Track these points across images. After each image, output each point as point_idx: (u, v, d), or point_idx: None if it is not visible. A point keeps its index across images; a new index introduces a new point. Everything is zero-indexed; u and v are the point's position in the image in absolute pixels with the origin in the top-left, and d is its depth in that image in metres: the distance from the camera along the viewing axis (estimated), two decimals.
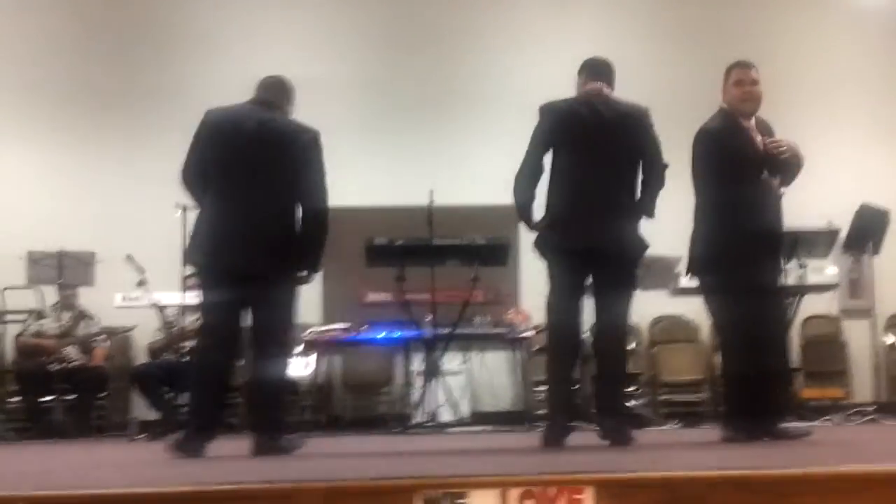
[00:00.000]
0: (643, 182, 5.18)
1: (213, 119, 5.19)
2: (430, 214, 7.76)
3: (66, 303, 8.96)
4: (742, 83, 5.07)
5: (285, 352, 5.25)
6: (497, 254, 8.14)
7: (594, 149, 5.04)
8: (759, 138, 5.06)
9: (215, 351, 4.95)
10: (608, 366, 5.21)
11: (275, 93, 5.38)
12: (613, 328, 5.21)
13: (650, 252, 8.22)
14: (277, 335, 5.08)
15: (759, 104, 5.09)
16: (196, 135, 5.16)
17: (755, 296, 5.03)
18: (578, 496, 2.68)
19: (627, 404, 8.46)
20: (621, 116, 5.10)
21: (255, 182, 4.99)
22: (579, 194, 5.07)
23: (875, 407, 8.38)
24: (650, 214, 5.23)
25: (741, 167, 5.06)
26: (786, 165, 5.00)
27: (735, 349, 5.26)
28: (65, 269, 8.50)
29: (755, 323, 5.07)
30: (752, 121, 5.10)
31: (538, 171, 5.20)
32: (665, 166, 5.12)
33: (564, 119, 5.13)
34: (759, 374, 4.99)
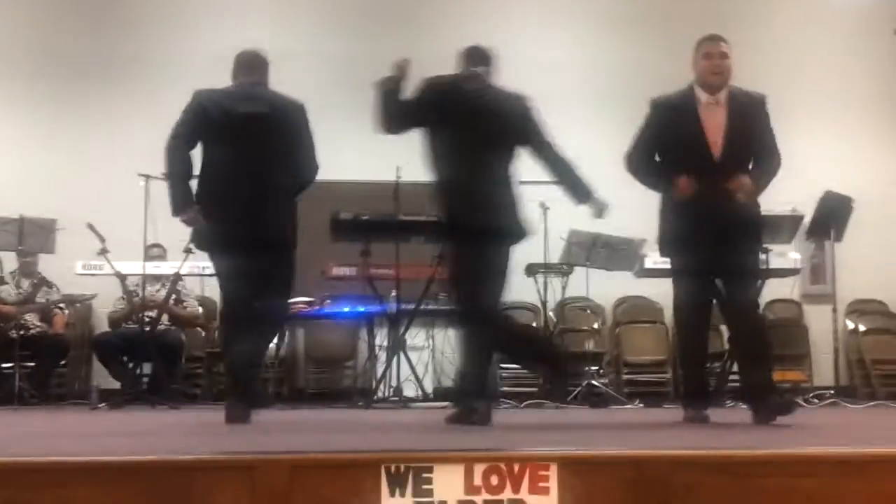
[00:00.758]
0: (549, 166, 5.37)
1: (207, 99, 5.36)
2: (396, 190, 7.72)
3: (26, 270, 8.86)
4: (710, 56, 5.01)
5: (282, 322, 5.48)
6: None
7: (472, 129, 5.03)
8: (720, 117, 4.95)
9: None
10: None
11: (260, 69, 5.55)
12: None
13: (616, 233, 8.37)
14: (282, 307, 5.57)
15: (726, 77, 5.01)
16: (188, 111, 5.36)
17: (698, 278, 5.05)
18: (543, 472, 2.68)
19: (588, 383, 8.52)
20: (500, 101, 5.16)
21: (258, 158, 5.19)
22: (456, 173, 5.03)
23: (835, 390, 8.47)
24: (584, 196, 5.43)
25: (681, 146, 5.04)
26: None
27: (682, 330, 5.31)
28: (25, 236, 8.38)
29: (702, 305, 5.11)
30: (721, 95, 5.00)
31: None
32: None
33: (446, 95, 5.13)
34: (706, 357, 5.07)
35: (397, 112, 4.99)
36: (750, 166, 5.02)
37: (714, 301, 5.12)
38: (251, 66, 5.53)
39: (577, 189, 5.33)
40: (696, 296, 5.09)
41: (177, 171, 5.24)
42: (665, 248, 5.32)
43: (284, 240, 5.34)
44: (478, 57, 5.30)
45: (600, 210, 5.46)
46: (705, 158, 4.94)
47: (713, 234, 4.90)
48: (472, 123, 4.99)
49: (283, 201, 5.31)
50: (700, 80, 5.08)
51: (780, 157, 5.04)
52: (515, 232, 5.12)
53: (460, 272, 5.16)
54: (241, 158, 5.19)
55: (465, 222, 4.95)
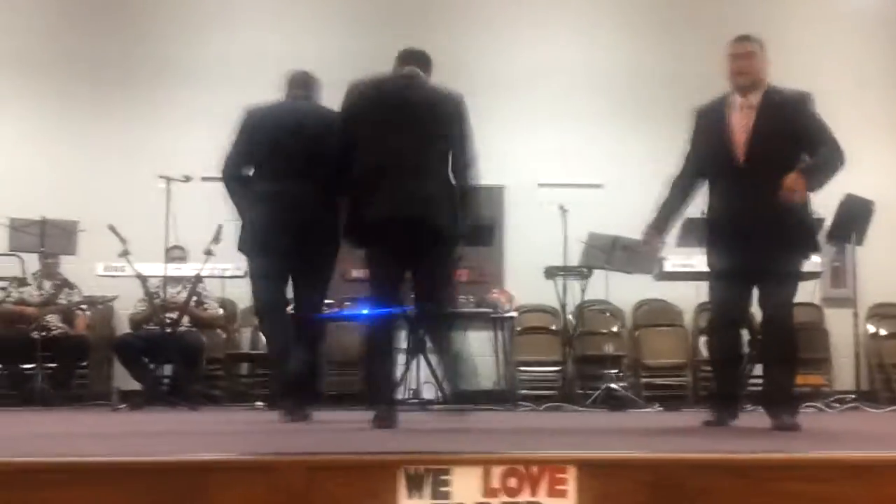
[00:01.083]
0: (453, 170, 5.12)
1: (261, 115, 5.73)
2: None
3: (48, 271, 8.92)
4: (735, 57, 4.92)
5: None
6: (482, 234, 8.13)
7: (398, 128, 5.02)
8: (748, 120, 4.86)
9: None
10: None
11: (313, 87, 5.99)
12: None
13: (636, 235, 8.33)
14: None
15: (752, 77, 4.90)
16: (242, 130, 5.67)
17: (727, 280, 4.98)
18: (561, 475, 2.68)
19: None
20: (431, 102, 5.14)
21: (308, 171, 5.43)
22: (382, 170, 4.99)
23: (855, 395, 8.42)
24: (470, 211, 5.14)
25: (709, 152, 5.01)
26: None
27: (715, 332, 5.25)
28: (47, 238, 8.44)
29: (733, 307, 5.04)
30: (753, 97, 4.89)
31: None
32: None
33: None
34: (738, 361, 4.99)
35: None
36: (785, 169, 4.74)
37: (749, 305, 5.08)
38: (305, 83, 5.95)
39: (462, 217, 5.09)
40: (727, 299, 5.02)
41: (236, 192, 5.60)
42: (706, 252, 5.25)
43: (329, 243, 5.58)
44: (409, 58, 5.30)
45: (458, 255, 5.60)
46: (730, 163, 4.87)
47: (743, 237, 4.83)
48: (395, 122, 4.95)
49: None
50: (729, 82, 4.99)
51: (841, 151, 4.84)
52: (447, 232, 4.98)
53: (376, 275, 5.30)
54: (294, 169, 5.46)
55: (390, 220, 4.88)
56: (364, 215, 4.96)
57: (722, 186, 4.99)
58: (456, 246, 5.33)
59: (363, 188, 4.94)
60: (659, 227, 5.24)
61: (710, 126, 5.02)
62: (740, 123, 4.87)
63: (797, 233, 4.91)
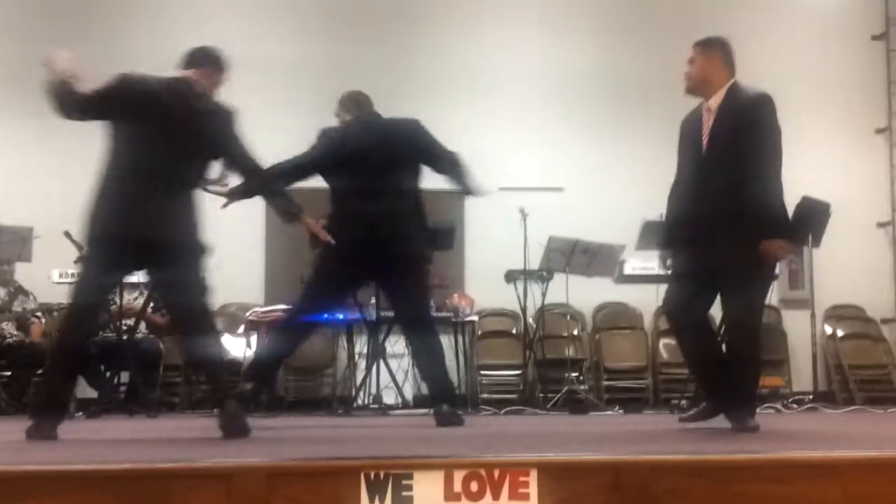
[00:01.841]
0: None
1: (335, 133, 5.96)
2: None
3: (3, 278, 8.79)
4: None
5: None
6: (443, 238, 8.12)
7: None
8: (709, 121, 4.91)
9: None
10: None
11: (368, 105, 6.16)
12: None
13: (596, 238, 8.40)
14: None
15: (691, 82, 4.98)
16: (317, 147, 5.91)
17: (687, 280, 4.97)
18: (523, 478, 2.67)
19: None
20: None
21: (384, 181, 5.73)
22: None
23: (813, 396, 8.50)
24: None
25: (688, 154, 5.04)
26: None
27: (676, 333, 5.32)
28: (1, 244, 8.32)
29: (693, 308, 5.00)
30: (713, 100, 4.92)
31: None
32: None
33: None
34: (707, 358, 4.99)
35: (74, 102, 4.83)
36: (739, 170, 4.78)
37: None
38: (361, 102, 6.09)
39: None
40: (683, 297, 5.00)
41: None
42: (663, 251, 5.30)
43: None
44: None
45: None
46: (697, 164, 4.93)
47: (699, 234, 4.83)
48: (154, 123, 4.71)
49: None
50: None
51: (778, 187, 4.78)
52: (187, 246, 4.69)
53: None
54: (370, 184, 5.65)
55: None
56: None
57: (684, 188, 5.02)
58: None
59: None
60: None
61: (689, 131, 5.09)
62: (707, 126, 4.94)
63: (753, 230, 4.82)
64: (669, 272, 5.21)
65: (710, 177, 4.84)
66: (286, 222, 5.33)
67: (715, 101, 4.93)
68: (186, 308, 4.68)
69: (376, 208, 5.63)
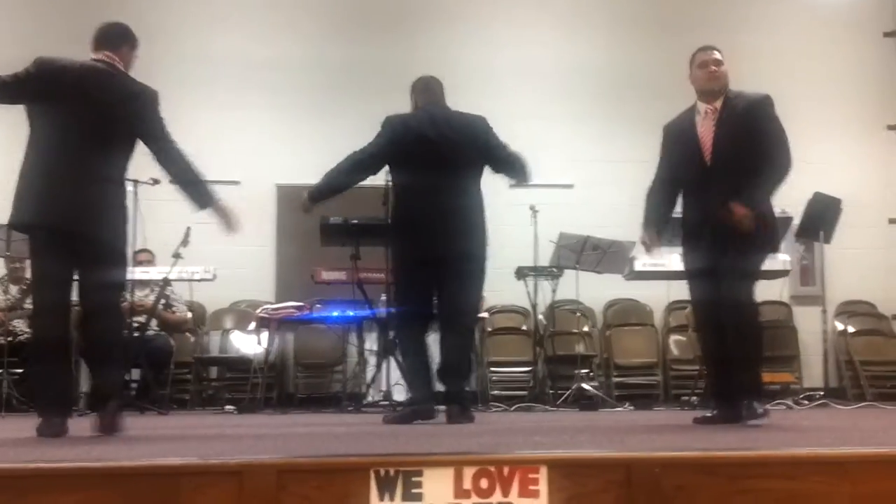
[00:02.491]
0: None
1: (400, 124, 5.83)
2: (386, 194, 7.69)
3: (14, 276, 8.82)
4: (706, 64, 5.12)
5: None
6: None
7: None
8: (711, 125, 5.04)
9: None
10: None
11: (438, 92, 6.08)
12: None
13: (606, 235, 8.39)
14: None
15: (723, 83, 5.11)
16: (382, 136, 5.82)
17: (701, 280, 5.12)
18: (533, 475, 2.67)
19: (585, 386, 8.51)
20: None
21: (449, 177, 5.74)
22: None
23: (824, 392, 8.48)
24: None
25: (680, 159, 5.18)
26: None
27: (699, 332, 5.41)
28: (13, 242, 8.32)
29: (703, 307, 5.19)
30: (718, 102, 5.09)
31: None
32: None
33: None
34: (723, 357, 5.04)
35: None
36: (748, 169, 4.96)
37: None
38: (431, 89, 6.01)
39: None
40: (703, 298, 5.15)
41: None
42: (682, 254, 5.42)
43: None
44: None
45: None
46: (698, 166, 5.05)
47: (712, 238, 4.98)
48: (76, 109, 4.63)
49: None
50: (699, 89, 5.18)
51: (789, 157, 5.01)
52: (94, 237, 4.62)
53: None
54: (434, 179, 5.60)
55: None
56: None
57: (692, 190, 5.16)
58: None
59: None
60: (650, 237, 5.36)
61: (679, 136, 5.21)
62: (706, 129, 5.07)
63: (757, 231, 4.99)
64: (685, 271, 5.31)
65: (721, 177, 4.97)
66: (200, 209, 5.09)
67: (718, 103, 5.09)
68: (99, 304, 4.67)
69: (438, 202, 5.60)
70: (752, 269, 5.07)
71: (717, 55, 5.14)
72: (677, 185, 5.27)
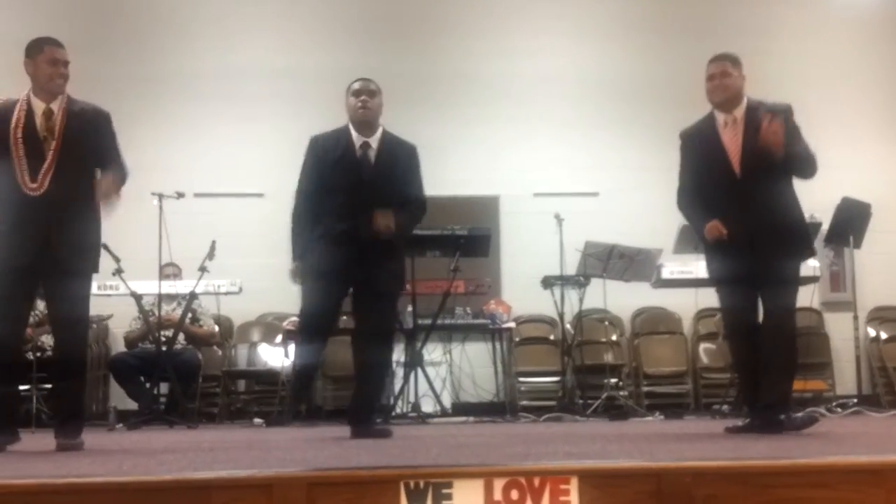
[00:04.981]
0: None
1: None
2: None
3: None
4: (712, 77, 5.15)
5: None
6: (479, 244, 8.14)
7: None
8: (737, 135, 5.06)
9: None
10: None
11: None
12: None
13: (632, 243, 8.35)
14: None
15: (729, 95, 5.11)
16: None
17: (733, 287, 5.13)
18: (564, 486, 2.65)
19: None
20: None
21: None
22: None
23: (857, 399, 8.39)
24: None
25: (707, 169, 5.16)
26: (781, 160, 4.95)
27: (730, 339, 5.37)
28: None
29: (735, 314, 5.18)
30: (737, 112, 5.10)
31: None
32: None
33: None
34: (755, 365, 5.03)
35: None
36: (776, 179, 5.06)
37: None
38: None
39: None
40: (735, 304, 5.15)
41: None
42: (708, 262, 5.39)
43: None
44: None
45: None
46: (728, 177, 5.06)
47: (745, 245, 5.00)
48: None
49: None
50: (708, 100, 5.21)
51: (815, 164, 5.07)
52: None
53: None
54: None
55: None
56: None
57: (721, 199, 5.13)
58: None
59: None
60: (712, 226, 5.15)
61: (702, 144, 5.22)
62: (731, 139, 5.10)
63: (794, 237, 5.11)
64: (714, 279, 5.32)
65: (752, 187, 5.01)
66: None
67: (738, 113, 5.11)
68: (66, 322, 4.78)
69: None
70: (794, 275, 5.13)
71: (725, 66, 5.12)
72: (704, 193, 5.24)
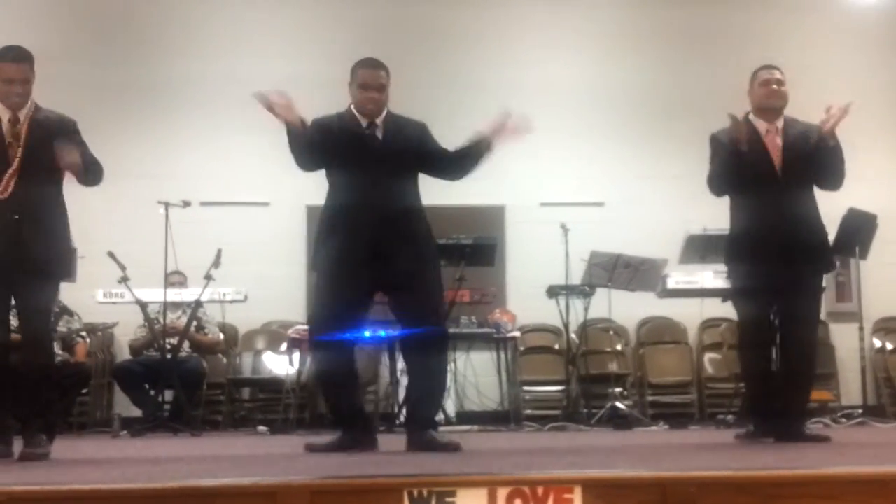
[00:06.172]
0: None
1: None
2: None
3: None
4: (769, 83, 5.21)
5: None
6: (484, 254, 8.14)
7: None
8: (778, 141, 5.14)
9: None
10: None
11: None
12: None
13: (638, 253, 8.34)
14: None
15: (785, 101, 5.23)
16: None
17: (760, 297, 5.13)
18: (567, 495, 2.65)
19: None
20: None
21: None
22: None
23: (863, 409, 8.37)
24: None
25: (750, 170, 5.15)
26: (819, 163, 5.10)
27: (745, 348, 5.34)
28: None
29: (756, 326, 5.18)
30: (778, 123, 5.19)
31: None
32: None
33: None
34: (771, 376, 5.06)
35: None
36: (810, 189, 5.22)
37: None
38: None
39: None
40: (759, 313, 5.16)
41: None
42: (730, 266, 5.40)
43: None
44: None
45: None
46: (769, 176, 5.12)
47: (776, 253, 5.02)
48: None
49: None
50: (759, 106, 5.24)
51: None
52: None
53: None
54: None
55: None
56: None
57: (760, 199, 5.15)
58: None
59: None
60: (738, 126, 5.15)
61: (750, 152, 5.17)
62: (773, 145, 5.16)
63: (823, 251, 5.26)
64: (737, 290, 5.33)
65: (790, 194, 5.11)
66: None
67: (779, 122, 5.21)
68: (32, 332, 4.76)
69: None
70: (820, 288, 5.29)
71: (780, 75, 5.24)
72: (743, 190, 5.21)
